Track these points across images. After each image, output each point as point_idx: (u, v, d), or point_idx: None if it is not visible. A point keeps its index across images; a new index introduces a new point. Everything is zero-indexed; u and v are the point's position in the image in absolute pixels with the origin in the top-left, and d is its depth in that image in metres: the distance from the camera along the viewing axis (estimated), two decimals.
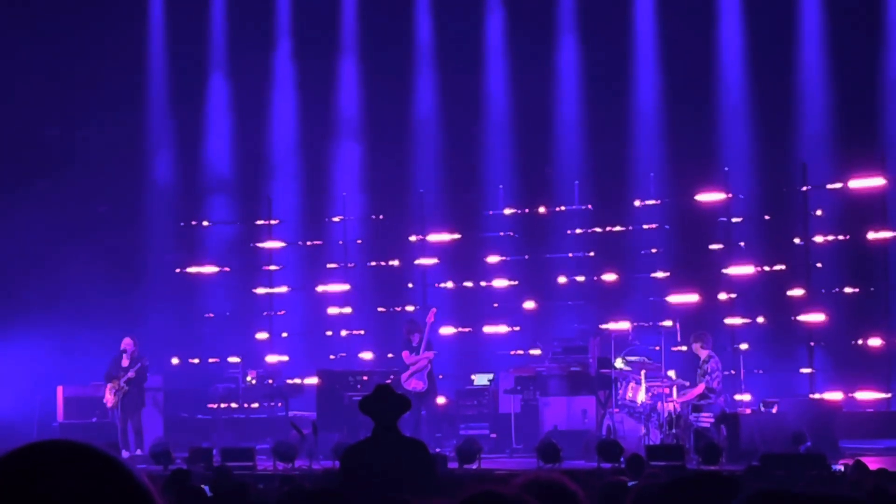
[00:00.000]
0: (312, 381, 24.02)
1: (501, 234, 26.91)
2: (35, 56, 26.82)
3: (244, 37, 28.01)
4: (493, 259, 26.91)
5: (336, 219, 27.76)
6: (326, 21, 27.94)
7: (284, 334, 27.75)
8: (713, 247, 25.41)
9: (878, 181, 24.07)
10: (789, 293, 24.81)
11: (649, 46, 26.65)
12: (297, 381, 24.80)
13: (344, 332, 27.47)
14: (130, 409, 22.45)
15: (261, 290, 28.01)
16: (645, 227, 25.87)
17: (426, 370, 22.20)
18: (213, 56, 28.34)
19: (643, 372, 20.62)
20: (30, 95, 26.62)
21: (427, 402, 22.18)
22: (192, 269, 27.77)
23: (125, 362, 22.53)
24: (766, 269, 25.09)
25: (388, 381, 22.18)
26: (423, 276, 27.18)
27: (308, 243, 28.01)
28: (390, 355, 26.22)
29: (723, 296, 25.24)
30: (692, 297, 25.13)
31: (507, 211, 26.85)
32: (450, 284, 27.09)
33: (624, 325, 23.50)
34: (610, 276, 26.00)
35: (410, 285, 27.29)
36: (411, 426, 21.19)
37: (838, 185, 24.39)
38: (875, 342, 23.97)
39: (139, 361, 22.48)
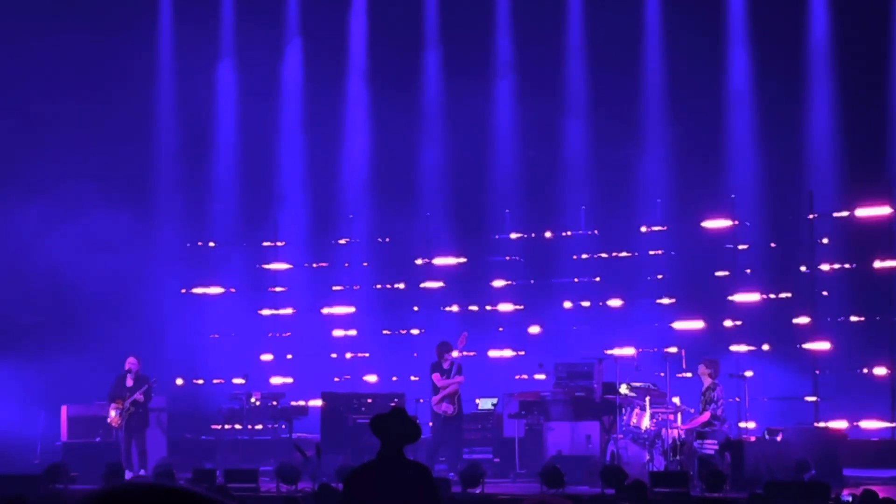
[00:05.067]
0: (317, 403, 23.98)
1: (507, 258, 26.91)
2: (39, 60, 26.80)
3: (252, 50, 28.06)
4: (498, 283, 26.90)
5: (342, 241, 27.79)
6: (336, 40, 27.99)
7: (289, 356, 27.75)
8: (719, 274, 25.39)
9: (884, 210, 24.04)
10: (795, 321, 24.79)
11: (657, 73, 26.67)
12: (302, 402, 24.75)
13: (349, 355, 27.47)
14: (136, 430, 22.39)
15: (266, 312, 28.02)
16: (651, 253, 25.88)
17: (456, 395, 22.03)
18: (220, 79, 28.44)
19: (648, 398, 20.56)
20: (30, 102, 26.67)
21: (454, 426, 22.01)
22: (197, 290, 27.78)
23: (129, 382, 22.48)
24: (772, 296, 25.08)
25: (394, 403, 22.16)
26: (428, 299, 27.17)
27: (314, 265, 28.02)
28: (395, 378, 26.19)
29: (728, 323, 25.21)
30: (697, 324, 25.11)
31: (514, 235, 26.86)
32: (455, 308, 27.07)
33: (629, 351, 23.45)
34: (615, 302, 26.00)
35: (416, 308, 27.28)
36: (430, 449, 21.12)
37: (845, 214, 24.38)
38: (880, 371, 23.92)
39: (146, 383, 22.42)
